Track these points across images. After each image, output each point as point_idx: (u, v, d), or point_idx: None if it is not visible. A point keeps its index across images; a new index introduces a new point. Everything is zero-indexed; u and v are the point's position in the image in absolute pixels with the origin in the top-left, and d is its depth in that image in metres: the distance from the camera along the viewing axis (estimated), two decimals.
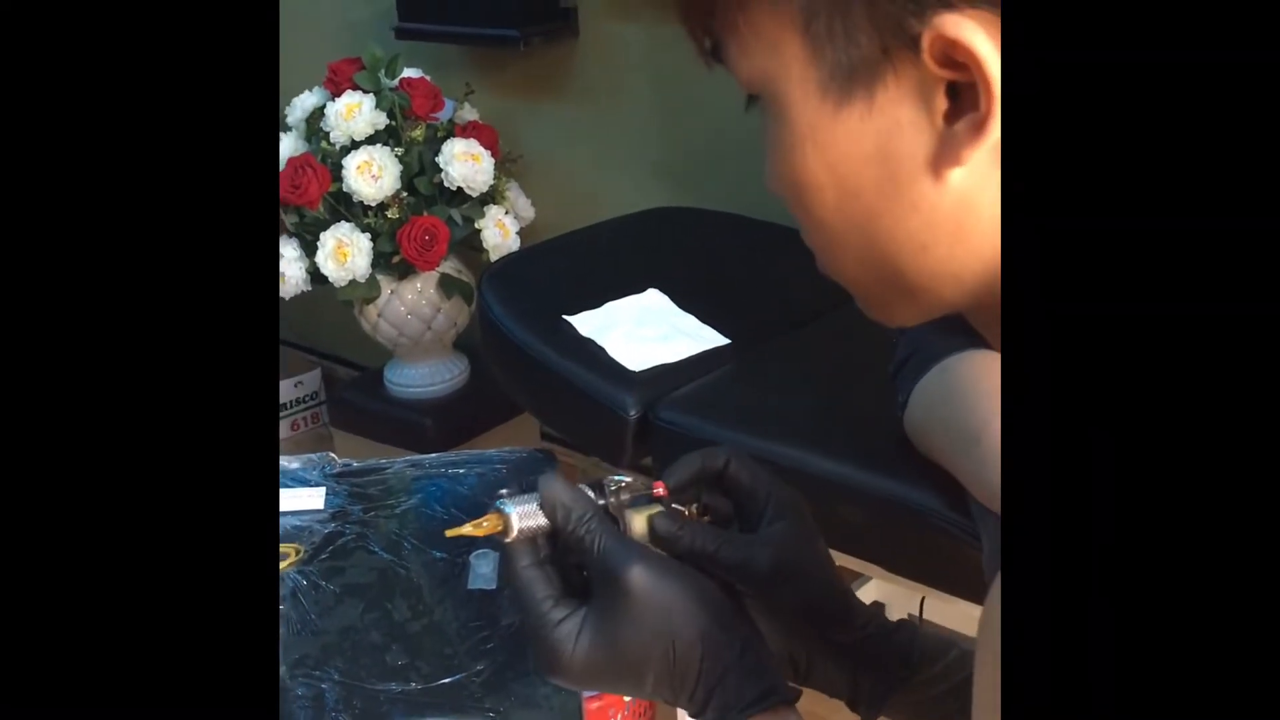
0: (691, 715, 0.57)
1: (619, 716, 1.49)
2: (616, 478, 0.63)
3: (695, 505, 0.65)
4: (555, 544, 0.59)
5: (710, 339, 1.43)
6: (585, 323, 1.45)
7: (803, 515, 0.65)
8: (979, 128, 0.41)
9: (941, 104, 0.42)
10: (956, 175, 0.42)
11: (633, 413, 1.31)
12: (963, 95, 0.41)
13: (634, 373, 1.36)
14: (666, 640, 0.55)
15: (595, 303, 1.48)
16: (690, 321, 1.47)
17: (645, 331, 1.45)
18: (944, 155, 0.42)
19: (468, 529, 0.59)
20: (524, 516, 0.58)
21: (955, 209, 0.43)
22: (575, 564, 0.59)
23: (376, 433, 2.12)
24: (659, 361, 1.38)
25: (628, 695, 0.58)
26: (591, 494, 0.60)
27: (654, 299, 1.51)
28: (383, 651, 0.74)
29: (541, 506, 0.58)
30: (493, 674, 0.71)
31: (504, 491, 0.59)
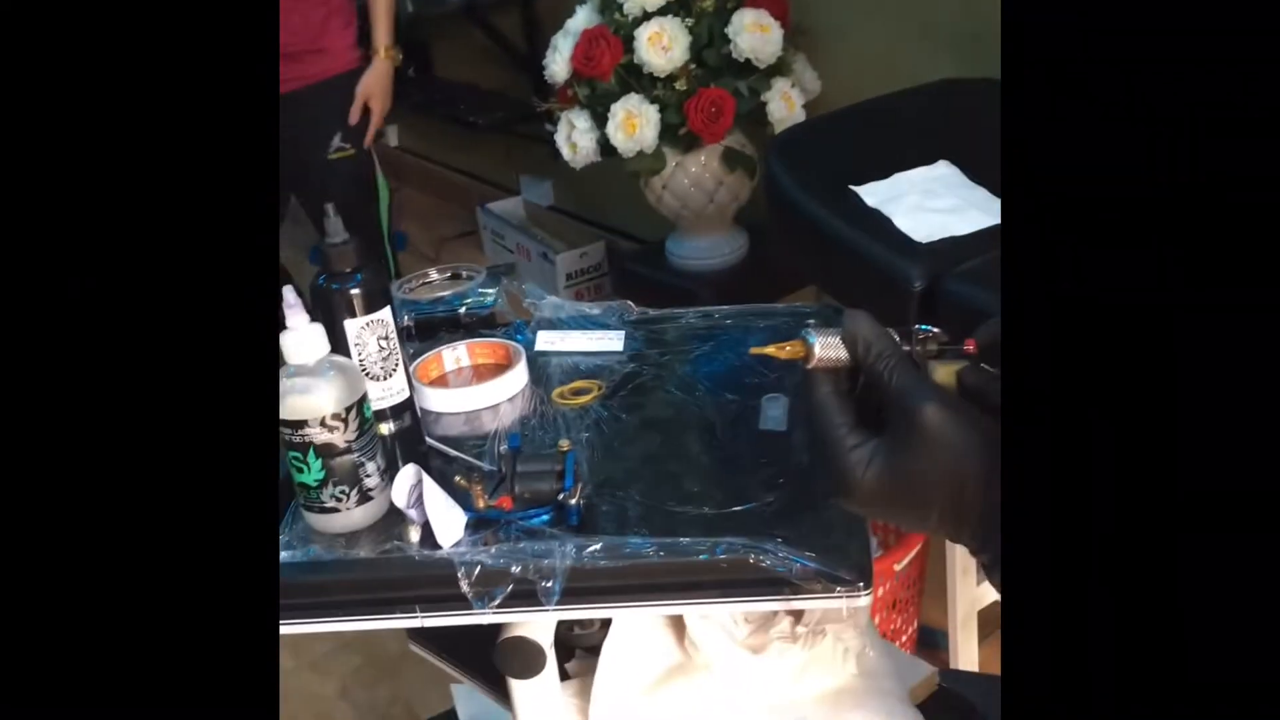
0: (972, 550, 0.58)
1: (887, 584, 1.52)
2: (924, 328, 0.63)
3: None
4: (855, 381, 0.61)
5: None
6: (873, 193, 1.44)
7: None
8: None
9: None
10: None
11: (918, 284, 1.30)
12: None
13: (921, 244, 1.34)
14: (954, 478, 0.56)
15: (883, 174, 1.46)
16: (982, 194, 1.43)
17: (934, 203, 1.42)
18: None
19: (771, 349, 0.61)
20: (826, 346, 0.60)
21: None
22: (873, 401, 0.61)
23: (658, 304, 2.18)
24: (947, 233, 1.35)
25: (909, 527, 0.59)
26: (897, 339, 0.62)
27: (944, 170, 1.48)
28: (680, 479, 0.79)
29: (844, 340, 0.60)
30: (782, 505, 0.74)
31: (810, 322, 0.61)
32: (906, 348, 0.61)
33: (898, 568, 1.52)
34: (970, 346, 0.63)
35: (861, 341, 0.60)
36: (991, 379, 0.62)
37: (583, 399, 0.91)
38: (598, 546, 0.72)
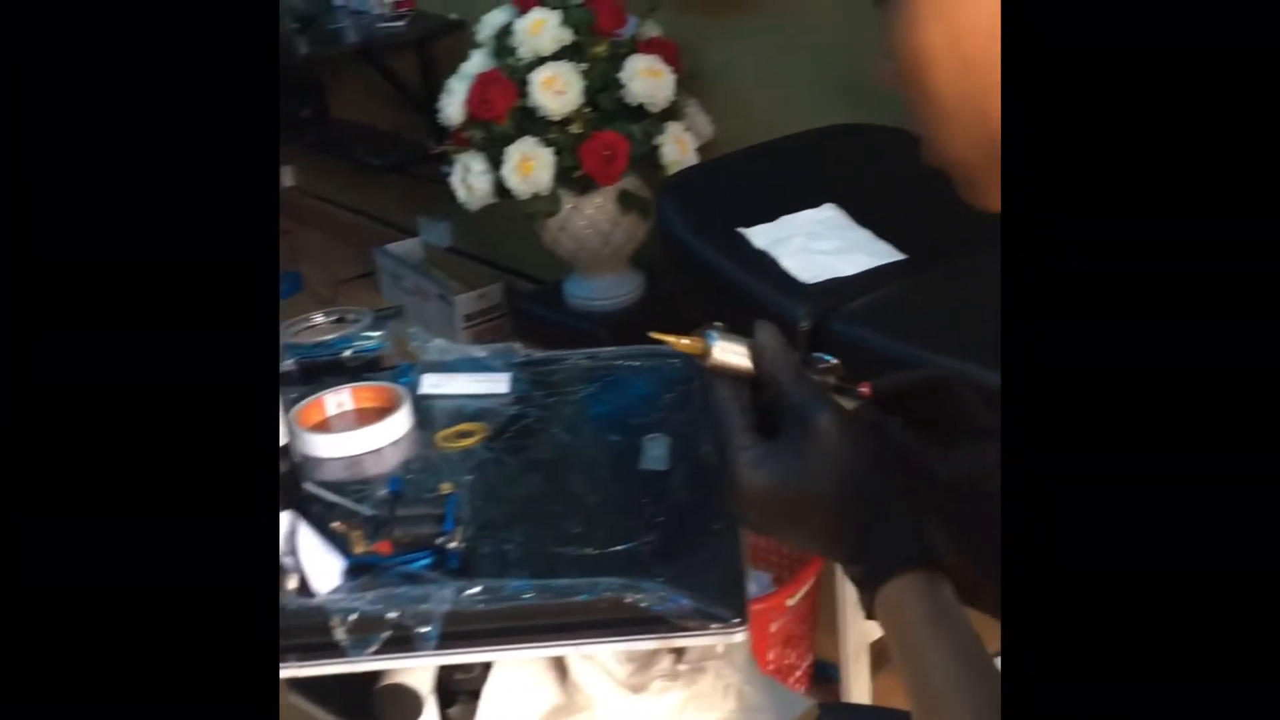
0: (845, 563, 0.59)
1: (780, 620, 1.53)
2: (825, 357, 0.65)
3: (899, 420, 0.67)
4: (752, 390, 0.63)
5: (885, 254, 1.42)
6: (761, 235, 1.46)
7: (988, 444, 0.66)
8: None
9: None
10: None
11: (804, 324, 1.33)
12: None
13: (807, 285, 1.37)
14: (841, 490, 0.58)
15: (771, 216, 1.49)
16: (865, 236, 1.46)
17: (820, 245, 1.46)
18: None
19: (670, 339, 0.62)
20: (724, 350, 0.61)
21: None
22: (773, 413, 0.62)
23: (556, 344, 2.19)
24: (833, 274, 1.38)
25: (789, 536, 0.60)
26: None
27: (830, 213, 1.51)
28: (561, 520, 0.80)
29: (751, 348, 0.61)
30: (662, 544, 0.75)
31: (718, 324, 0.62)
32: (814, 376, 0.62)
33: (790, 602, 1.54)
34: (865, 389, 0.65)
35: (768, 351, 0.61)
36: (887, 419, 0.64)
37: (467, 441, 0.91)
38: (476, 590, 0.72)
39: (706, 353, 0.61)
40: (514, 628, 0.72)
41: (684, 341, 0.62)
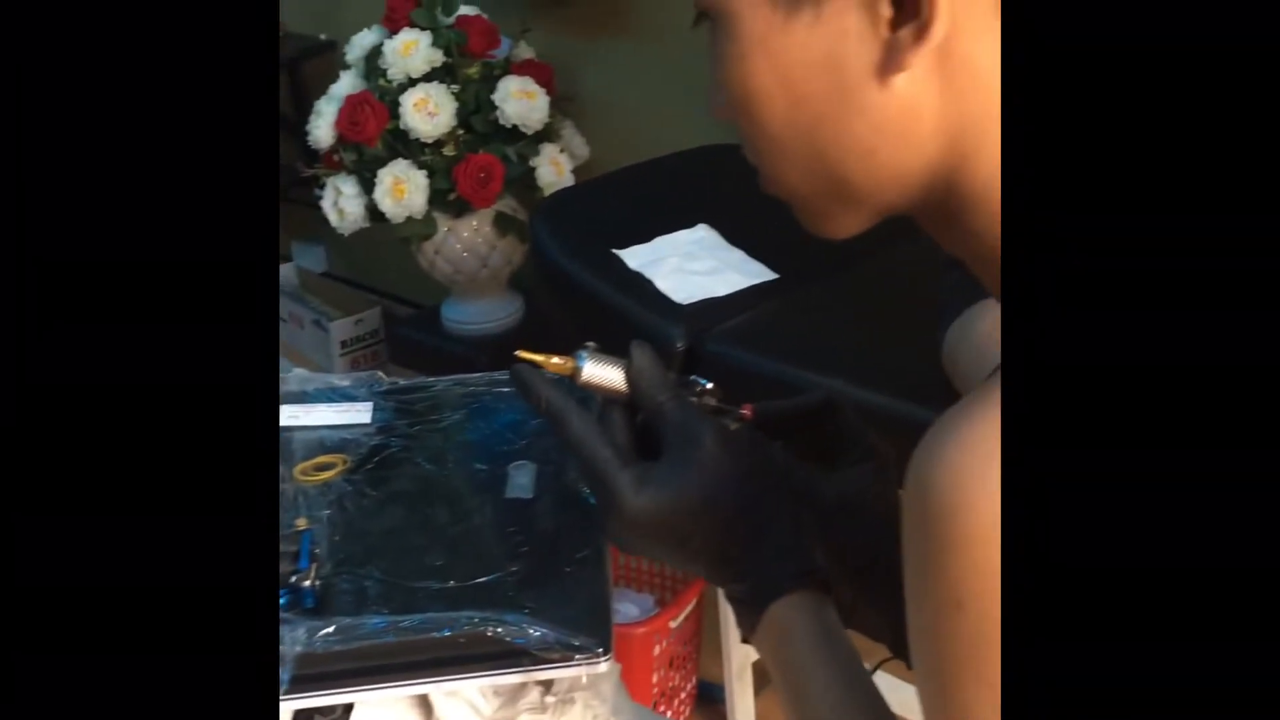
0: (728, 583, 0.58)
1: (663, 642, 1.52)
2: (701, 381, 0.64)
3: (780, 443, 0.66)
4: (626, 411, 0.61)
5: (758, 274, 1.44)
6: (634, 257, 1.46)
7: (886, 467, 0.66)
8: (921, 34, 0.43)
9: (886, 11, 0.44)
10: (901, 80, 0.45)
11: (680, 344, 1.33)
12: (905, 3, 0.44)
13: (681, 305, 1.37)
14: (725, 504, 0.58)
15: (645, 237, 1.49)
16: (738, 256, 1.47)
17: (694, 265, 1.46)
18: (889, 61, 0.45)
19: (539, 359, 0.61)
20: (595, 369, 0.60)
21: (900, 113, 0.46)
22: (645, 432, 0.61)
23: (434, 369, 2.16)
24: (707, 294, 1.39)
25: (671, 557, 0.59)
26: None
27: (704, 233, 1.52)
28: (422, 553, 0.77)
29: (626, 369, 0.60)
30: (527, 574, 0.74)
31: (590, 344, 0.61)
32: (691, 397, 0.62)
33: (673, 624, 1.53)
34: (747, 411, 0.65)
35: (644, 372, 0.61)
36: (768, 441, 0.64)
37: (325, 475, 0.88)
38: (331, 629, 0.69)
39: (577, 373, 0.60)
40: (372, 667, 0.70)
41: (554, 361, 0.61)
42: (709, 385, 0.64)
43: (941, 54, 0.44)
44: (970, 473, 0.40)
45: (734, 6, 0.47)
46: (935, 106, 0.45)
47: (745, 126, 0.51)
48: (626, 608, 1.62)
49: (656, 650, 1.52)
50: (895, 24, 0.44)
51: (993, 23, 0.43)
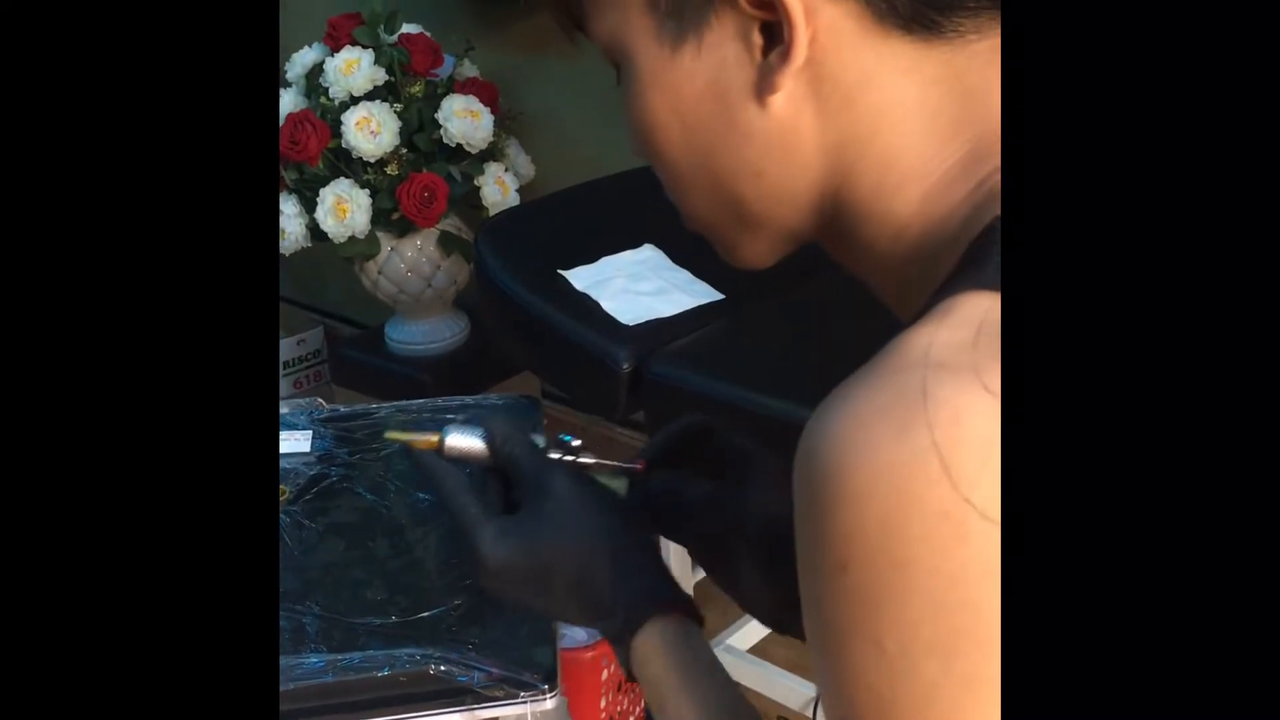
0: (599, 624, 0.59)
1: (611, 666, 1.51)
2: (566, 438, 0.67)
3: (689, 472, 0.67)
4: (495, 475, 0.64)
5: (704, 294, 1.43)
6: (580, 277, 1.45)
7: (779, 479, 0.66)
8: (786, 56, 0.47)
9: (758, 40, 0.48)
10: (778, 101, 0.48)
11: (625, 366, 1.32)
12: (775, 31, 0.47)
13: (627, 326, 1.36)
14: (581, 545, 0.60)
15: (591, 258, 1.48)
16: (684, 276, 1.47)
17: (640, 286, 1.45)
18: (764, 84, 0.48)
19: (405, 437, 0.64)
20: (458, 439, 0.63)
21: (781, 133, 0.49)
22: (508, 489, 0.62)
23: (378, 390, 2.13)
24: (653, 315, 1.38)
25: (540, 603, 0.61)
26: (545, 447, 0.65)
27: (649, 254, 1.51)
28: (363, 587, 0.76)
29: (482, 435, 0.63)
30: (469, 608, 0.72)
31: (451, 417, 0.63)
32: (555, 454, 0.64)
33: None
34: (639, 465, 0.66)
35: (498, 433, 0.63)
36: (659, 493, 0.65)
37: None
38: None
39: (441, 444, 0.63)
40: (311, 708, 0.68)
41: (419, 439, 0.64)
42: (575, 442, 0.66)
43: (812, 74, 0.47)
44: (848, 437, 0.41)
45: (629, 46, 0.51)
46: (813, 124, 0.48)
47: (653, 161, 0.54)
48: (574, 632, 1.61)
49: (604, 675, 1.51)
50: (766, 50, 0.48)
51: (862, 41, 0.47)
